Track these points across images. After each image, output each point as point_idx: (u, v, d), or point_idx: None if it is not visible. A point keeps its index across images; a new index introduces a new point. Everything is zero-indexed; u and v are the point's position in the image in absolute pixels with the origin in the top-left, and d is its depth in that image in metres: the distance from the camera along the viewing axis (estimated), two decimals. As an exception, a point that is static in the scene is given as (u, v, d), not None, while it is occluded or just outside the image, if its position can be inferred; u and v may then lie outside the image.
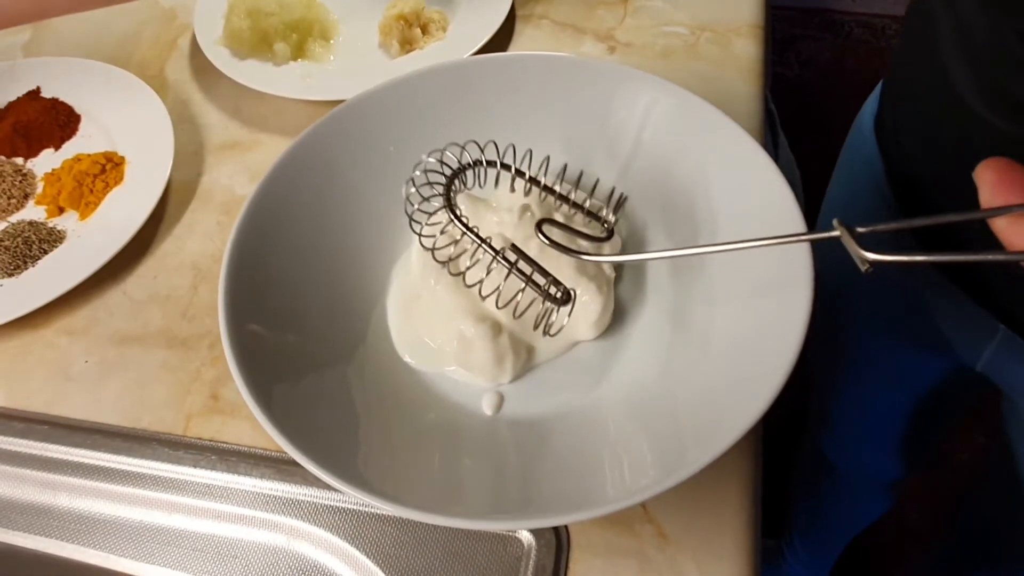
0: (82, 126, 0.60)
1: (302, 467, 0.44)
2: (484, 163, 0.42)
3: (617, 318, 0.44)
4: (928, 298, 0.55)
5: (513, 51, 0.64)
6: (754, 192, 0.41)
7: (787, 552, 1.08)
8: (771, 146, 0.81)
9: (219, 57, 0.61)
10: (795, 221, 0.39)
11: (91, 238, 0.53)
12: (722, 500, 0.42)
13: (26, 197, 0.56)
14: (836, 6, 1.87)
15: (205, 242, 0.54)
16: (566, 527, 0.42)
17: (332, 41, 0.64)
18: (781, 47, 1.83)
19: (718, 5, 0.65)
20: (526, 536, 0.42)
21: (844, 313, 0.68)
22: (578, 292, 0.42)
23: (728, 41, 0.63)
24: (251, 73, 0.60)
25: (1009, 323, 0.48)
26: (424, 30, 0.62)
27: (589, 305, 0.42)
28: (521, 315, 0.41)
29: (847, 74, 1.78)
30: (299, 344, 0.41)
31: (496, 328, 0.41)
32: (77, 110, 0.60)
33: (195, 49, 0.64)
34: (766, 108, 0.71)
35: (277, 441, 0.34)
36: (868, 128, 0.56)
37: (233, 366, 0.36)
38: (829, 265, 0.61)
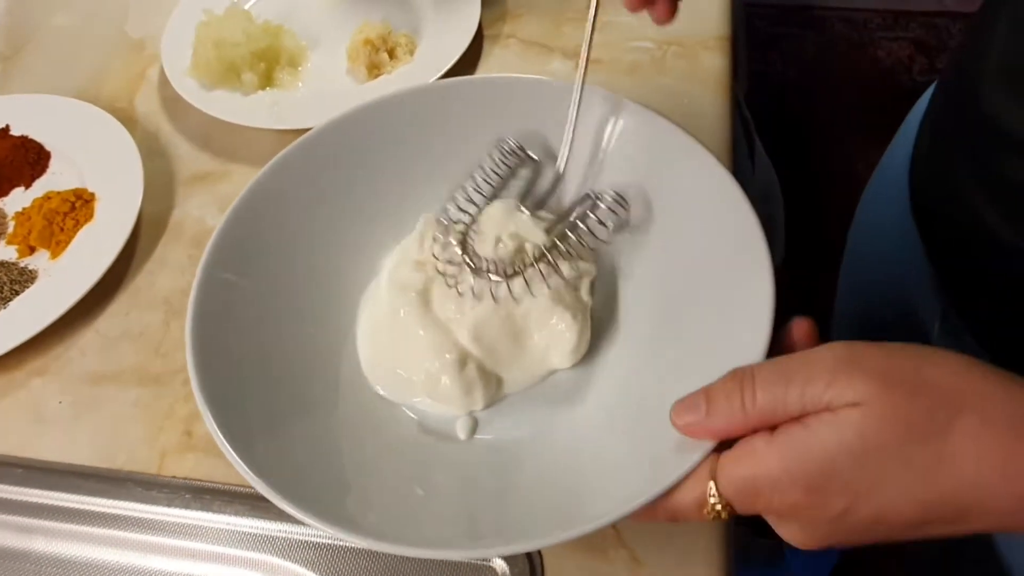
0: (52, 163, 0.60)
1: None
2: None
3: (592, 343, 0.44)
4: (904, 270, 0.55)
5: (481, 72, 0.64)
6: (711, 201, 0.42)
7: (788, 553, 1.08)
8: (746, 154, 0.81)
9: (187, 88, 0.61)
10: (757, 242, 0.38)
11: (63, 277, 0.53)
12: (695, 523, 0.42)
13: (-3, 237, 0.56)
14: (817, 2, 1.87)
15: (177, 276, 0.54)
16: (540, 555, 0.42)
17: (300, 68, 0.64)
18: (764, 46, 1.83)
19: (685, 19, 0.64)
20: (500, 564, 0.42)
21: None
22: (554, 321, 0.42)
23: (695, 55, 0.63)
24: (220, 104, 0.60)
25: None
26: (391, 54, 0.62)
27: (565, 334, 0.42)
28: (494, 338, 0.41)
29: (830, 69, 1.78)
30: (269, 377, 0.41)
31: (462, 361, 0.41)
32: (47, 147, 0.60)
33: (164, 80, 0.64)
34: (738, 117, 0.71)
35: (248, 479, 0.34)
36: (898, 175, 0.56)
37: (202, 403, 0.36)
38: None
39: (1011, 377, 0.27)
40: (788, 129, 1.63)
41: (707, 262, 0.41)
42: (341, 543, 0.43)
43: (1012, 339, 0.45)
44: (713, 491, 0.29)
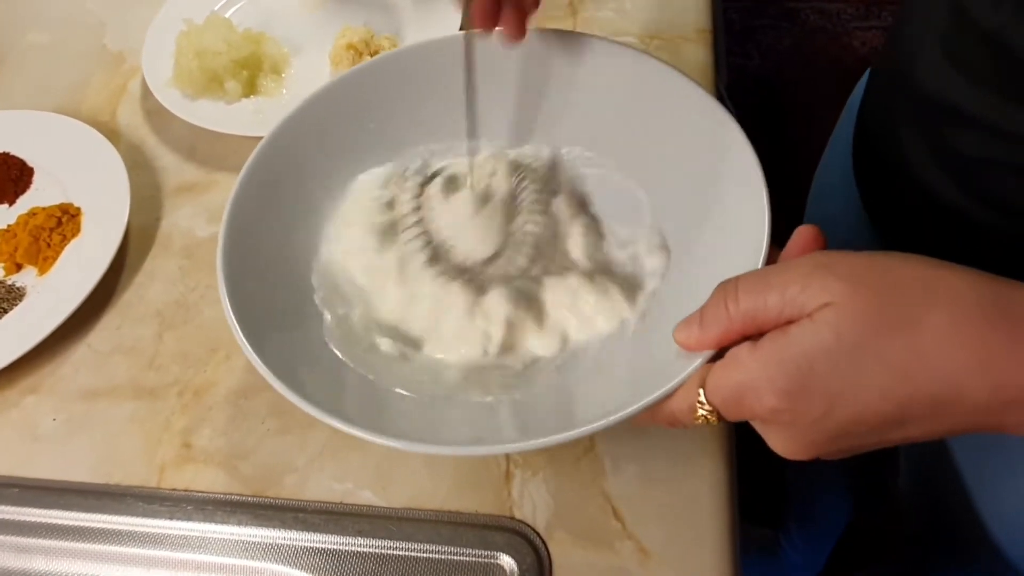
0: (36, 179, 0.59)
1: (280, 510, 0.44)
2: None
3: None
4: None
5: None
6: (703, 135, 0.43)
7: (784, 541, 1.08)
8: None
9: (170, 99, 0.60)
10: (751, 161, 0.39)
11: (52, 293, 0.53)
12: (699, 508, 0.42)
13: (-18, 256, 0.55)
14: (790, -5, 1.89)
15: (168, 288, 0.54)
16: (548, 551, 0.42)
17: (283, 75, 0.64)
18: (741, 38, 1.84)
19: (666, 13, 0.66)
20: (507, 561, 0.42)
21: None
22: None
23: (677, 47, 0.63)
24: (204, 113, 0.60)
25: None
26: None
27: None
28: None
29: (806, 60, 1.80)
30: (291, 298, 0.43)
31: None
32: (29, 163, 0.60)
33: (146, 92, 0.64)
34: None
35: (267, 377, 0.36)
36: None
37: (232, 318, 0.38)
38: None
39: (979, 273, 0.28)
40: (768, 118, 1.64)
41: (703, 185, 0.43)
42: (344, 547, 0.43)
43: None
44: (702, 397, 0.31)
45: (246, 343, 0.37)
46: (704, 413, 0.31)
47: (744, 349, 0.30)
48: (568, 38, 0.47)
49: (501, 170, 0.48)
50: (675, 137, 0.45)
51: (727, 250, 0.38)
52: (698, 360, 0.32)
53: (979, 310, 0.27)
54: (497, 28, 0.44)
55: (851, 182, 0.56)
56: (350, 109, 0.48)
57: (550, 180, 0.48)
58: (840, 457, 0.31)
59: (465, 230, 0.46)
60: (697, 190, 0.43)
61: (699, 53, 0.63)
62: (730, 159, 0.41)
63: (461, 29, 0.43)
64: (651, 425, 0.34)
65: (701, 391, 0.31)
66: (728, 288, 0.31)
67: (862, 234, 0.56)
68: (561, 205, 0.47)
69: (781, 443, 0.30)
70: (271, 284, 0.42)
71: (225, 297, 0.39)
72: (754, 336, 0.30)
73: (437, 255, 0.45)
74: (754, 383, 0.29)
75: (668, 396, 0.33)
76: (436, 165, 0.50)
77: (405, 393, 0.40)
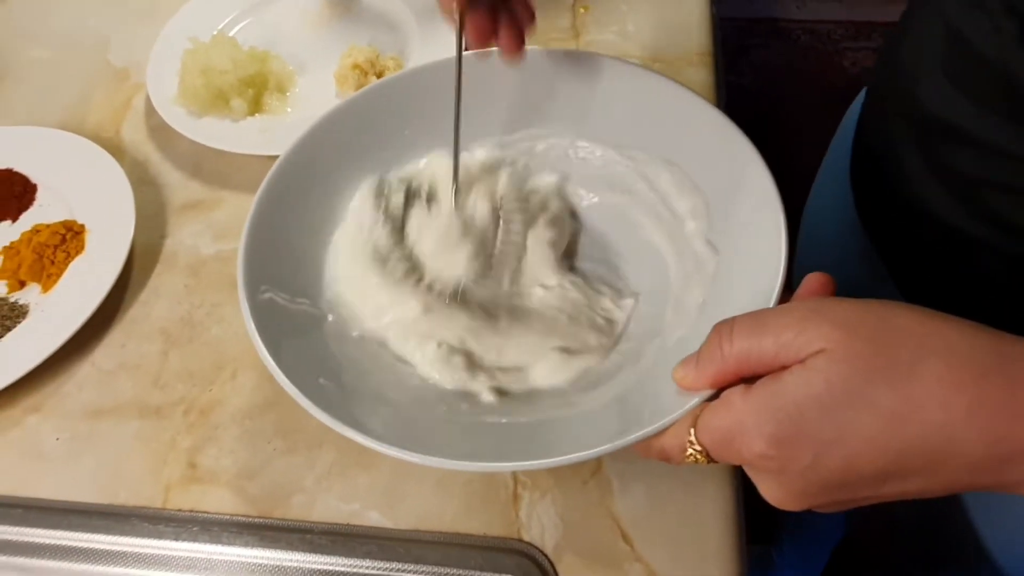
0: (39, 195, 0.59)
1: (287, 531, 0.44)
2: None
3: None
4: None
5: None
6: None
7: (777, 558, 1.09)
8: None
9: (175, 116, 0.60)
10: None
11: (55, 310, 0.52)
12: (707, 531, 0.42)
13: (-16, 273, 0.55)
14: (782, 15, 1.92)
15: (173, 306, 0.54)
16: (556, 572, 0.42)
17: (288, 93, 0.64)
18: (734, 56, 1.87)
19: (667, 34, 0.67)
20: (516, 583, 0.42)
21: None
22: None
23: (679, 70, 0.64)
24: (209, 131, 0.60)
25: None
26: (380, 77, 0.62)
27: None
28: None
29: (798, 78, 1.82)
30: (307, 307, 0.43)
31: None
32: (32, 179, 0.59)
33: (150, 108, 0.64)
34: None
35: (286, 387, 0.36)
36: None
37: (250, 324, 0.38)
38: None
39: (973, 325, 0.27)
40: (761, 134, 1.66)
41: (721, 218, 0.43)
42: (351, 570, 0.43)
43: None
44: (692, 437, 0.31)
45: (270, 358, 0.37)
46: (694, 452, 0.31)
47: (737, 392, 0.30)
48: (580, 57, 0.48)
49: (490, 191, 0.48)
50: (695, 165, 0.46)
51: (741, 289, 0.39)
52: (694, 400, 0.32)
53: (975, 362, 0.26)
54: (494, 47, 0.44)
55: (847, 200, 0.57)
56: (367, 125, 0.49)
57: (544, 208, 0.48)
58: (834, 511, 0.30)
59: (450, 255, 0.46)
60: (715, 227, 0.44)
61: (701, 75, 0.64)
62: (754, 202, 0.41)
63: (457, 47, 0.43)
64: (648, 456, 0.34)
65: (692, 430, 0.31)
66: (724, 329, 0.31)
67: (859, 253, 0.57)
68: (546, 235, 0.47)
69: (771, 490, 0.30)
70: (287, 297, 0.43)
71: (247, 311, 0.39)
72: (749, 378, 0.30)
73: (430, 283, 0.46)
74: (744, 428, 0.29)
75: (661, 432, 0.33)
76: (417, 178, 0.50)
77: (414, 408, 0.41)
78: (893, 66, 0.48)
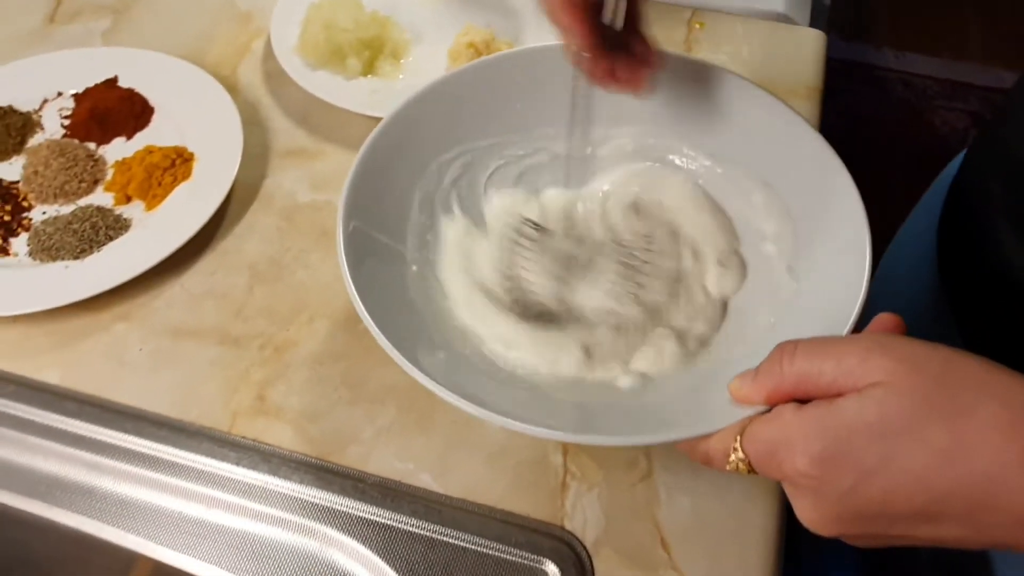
0: (155, 119, 0.62)
1: (341, 476, 0.45)
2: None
3: None
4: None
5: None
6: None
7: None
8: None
9: (292, 65, 0.63)
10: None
11: (155, 229, 0.55)
12: (746, 557, 0.43)
13: (96, 183, 0.58)
14: (879, 62, 1.88)
15: (264, 244, 0.56)
16: (592, 564, 0.43)
17: (402, 60, 0.66)
18: (823, 96, 1.84)
19: (779, 64, 0.67)
20: (552, 568, 0.43)
21: None
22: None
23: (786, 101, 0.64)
24: (322, 84, 0.62)
25: None
26: (492, 60, 0.64)
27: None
28: None
29: (883, 129, 1.79)
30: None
31: None
32: (151, 102, 0.62)
33: (268, 54, 0.66)
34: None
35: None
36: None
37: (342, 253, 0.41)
38: None
39: None
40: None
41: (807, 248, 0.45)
42: (398, 524, 0.44)
43: None
44: (737, 445, 0.32)
45: (364, 311, 0.39)
46: (736, 460, 0.32)
47: (789, 408, 0.30)
48: (703, 67, 0.49)
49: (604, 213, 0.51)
50: (790, 191, 0.47)
51: (813, 321, 0.40)
52: (748, 411, 0.33)
53: None
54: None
55: (929, 259, 0.57)
56: (477, 96, 0.50)
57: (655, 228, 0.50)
58: (864, 545, 0.30)
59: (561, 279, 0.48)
60: (799, 254, 0.45)
61: (806, 109, 0.64)
62: (841, 244, 0.42)
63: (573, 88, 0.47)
64: (692, 456, 0.36)
65: (738, 438, 0.32)
66: (787, 347, 0.31)
67: (933, 315, 0.56)
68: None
69: (806, 511, 0.30)
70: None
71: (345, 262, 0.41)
72: (802, 400, 0.31)
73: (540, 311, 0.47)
74: (789, 441, 0.29)
75: (708, 435, 0.34)
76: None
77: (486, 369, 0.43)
78: (997, 139, 0.47)
